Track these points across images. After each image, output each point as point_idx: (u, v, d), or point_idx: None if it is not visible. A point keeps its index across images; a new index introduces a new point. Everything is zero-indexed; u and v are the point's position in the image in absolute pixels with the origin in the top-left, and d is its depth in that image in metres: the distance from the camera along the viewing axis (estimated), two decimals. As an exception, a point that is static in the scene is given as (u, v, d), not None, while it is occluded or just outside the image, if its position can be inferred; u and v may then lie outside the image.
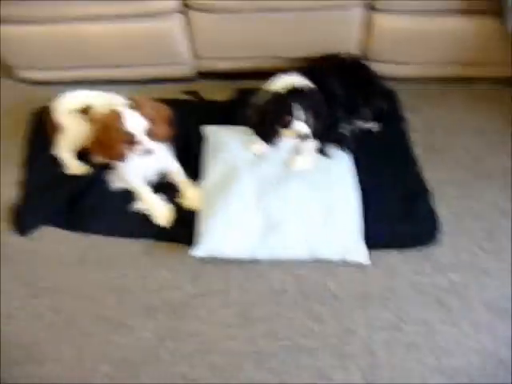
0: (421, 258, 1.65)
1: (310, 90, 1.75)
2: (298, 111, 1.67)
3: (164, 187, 1.86)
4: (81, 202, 1.82)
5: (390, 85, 2.10)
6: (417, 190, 1.80)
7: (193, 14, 1.99)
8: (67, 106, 1.94)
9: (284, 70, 2.09)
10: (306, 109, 1.68)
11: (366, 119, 1.97)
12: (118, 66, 2.22)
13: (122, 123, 1.63)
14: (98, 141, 1.71)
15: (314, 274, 1.63)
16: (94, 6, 1.96)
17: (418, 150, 1.94)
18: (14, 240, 1.79)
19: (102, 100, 1.91)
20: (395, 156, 1.92)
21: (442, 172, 1.88)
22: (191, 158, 1.91)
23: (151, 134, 1.70)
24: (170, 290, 1.63)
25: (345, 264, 1.63)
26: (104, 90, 1.99)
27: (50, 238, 1.79)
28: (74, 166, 1.92)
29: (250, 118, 1.91)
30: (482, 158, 1.91)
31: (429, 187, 1.81)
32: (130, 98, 1.73)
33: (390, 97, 2.06)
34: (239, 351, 1.49)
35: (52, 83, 2.31)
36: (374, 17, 1.96)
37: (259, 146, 1.82)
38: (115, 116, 1.65)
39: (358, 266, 1.63)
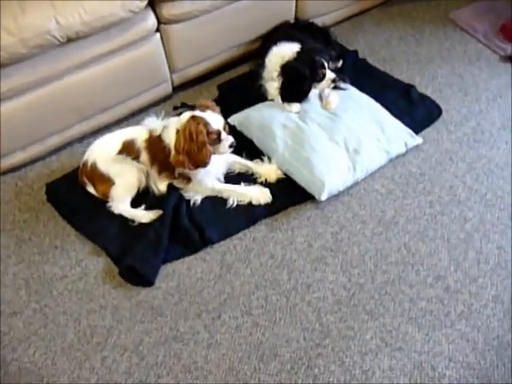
0: (442, 124, 2.20)
1: (316, 46, 2.11)
2: (326, 62, 2.01)
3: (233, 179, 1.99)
4: (182, 228, 1.82)
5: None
6: (405, 88, 2.33)
7: (166, 27, 2.11)
8: (107, 153, 1.88)
9: (245, 55, 2.43)
10: (326, 58, 2.03)
11: (334, 60, 2.41)
12: (104, 111, 2.16)
13: (206, 125, 1.73)
14: (183, 150, 1.73)
15: (398, 170, 2.03)
16: (78, 54, 1.91)
17: (378, 66, 2.49)
18: (148, 292, 1.71)
19: (136, 133, 1.92)
20: (371, 75, 2.42)
21: (403, 72, 2.46)
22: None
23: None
24: (318, 240, 1.83)
25: (406, 152, 2.07)
26: (93, 141, 1.98)
27: (179, 270, 1.77)
28: (140, 215, 1.88)
29: (266, 92, 2.18)
30: (417, 52, 2.56)
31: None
32: (197, 104, 1.81)
33: (335, 39, 2.55)
34: (403, 242, 1.80)
35: (36, 160, 2.13)
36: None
37: (295, 105, 2.10)
38: (198, 121, 1.73)
39: (415, 149, 2.09)
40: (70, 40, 1.82)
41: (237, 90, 2.37)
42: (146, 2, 1.93)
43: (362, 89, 2.26)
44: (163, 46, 2.15)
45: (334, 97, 2.13)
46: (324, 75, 2.04)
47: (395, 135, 2.05)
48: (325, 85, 2.07)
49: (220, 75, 2.48)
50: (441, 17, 2.75)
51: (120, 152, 1.88)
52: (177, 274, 1.75)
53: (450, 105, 2.28)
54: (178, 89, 2.41)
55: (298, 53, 2.06)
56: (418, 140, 2.08)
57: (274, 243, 1.82)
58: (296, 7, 2.48)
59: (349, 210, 1.90)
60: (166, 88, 2.32)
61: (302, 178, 1.90)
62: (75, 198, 1.95)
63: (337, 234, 1.83)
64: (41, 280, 1.76)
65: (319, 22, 2.53)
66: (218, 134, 1.76)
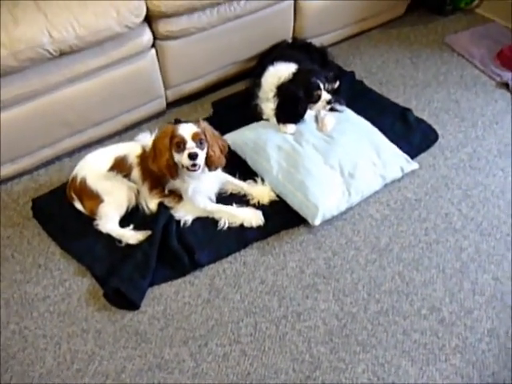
0: (438, 150, 2.18)
1: (310, 66, 2.09)
2: (321, 84, 1.99)
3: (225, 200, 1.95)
4: (171, 250, 1.77)
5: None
6: (402, 112, 2.31)
7: (162, 44, 2.08)
8: (97, 169, 1.83)
9: (241, 73, 2.41)
10: (322, 79, 2.01)
11: (330, 81, 2.39)
12: (96, 125, 2.12)
13: (174, 131, 1.70)
14: (153, 149, 1.73)
15: (393, 195, 1.99)
16: (70, 68, 1.87)
17: (374, 88, 2.47)
18: (133, 316, 1.65)
19: (128, 149, 1.88)
20: (368, 97, 2.40)
21: (400, 95, 2.44)
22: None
23: (209, 159, 1.77)
24: (310, 265, 1.77)
25: (402, 177, 2.03)
26: (83, 155, 1.94)
27: (166, 294, 1.70)
28: (128, 235, 1.82)
29: (262, 112, 2.15)
30: (414, 76, 2.55)
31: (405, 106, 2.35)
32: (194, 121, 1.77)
33: (333, 60, 2.54)
34: (397, 271, 1.75)
35: (23, 173, 2.08)
36: (300, 3, 2.38)
37: (290, 126, 2.06)
38: (172, 126, 1.72)
39: (411, 174, 2.06)
40: (62, 54, 1.78)
41: (231, 108, 2.35)
42: (142, 18, 1.91)
43: (358, 111, 2.24)
44: (158, 61, 2.12)
45: (329, 119, 2.11)
46: (319, 96, 2.01)
47: (391, 160, 2.02)
48: (320, 106, 2.04)
49: (215, 92, 2.46)
50: (438, 41, 2.75)
51: (111, 168, 1.83)
52: (164, 297, 1.69)
53: (446, 130, 2.26)
54: (172, 105, 2.38)
55: (294, 74, 2.04)
56: (414, 165, 2.05)
57: (265, 268, 1.77)
58: (294, 27, 2.47)
59: (342, 235, 1.86)
60: (160, 104, 2.29)
61: (295, 201, 1.86)
62: (62, 215, 1.90)
63: (329, 260, 1.79)
64: (22, 300, 1.69)
65: (317, 42, 2.52)
66: (183, 141, 1.68)
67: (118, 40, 1.91)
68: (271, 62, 2.18)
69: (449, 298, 1.68)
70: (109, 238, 1.81)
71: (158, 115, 2.34)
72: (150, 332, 1.61)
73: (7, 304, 1.68)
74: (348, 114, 2.19)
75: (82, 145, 2.15)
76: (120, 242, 1.81)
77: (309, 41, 2.45)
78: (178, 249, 1.77)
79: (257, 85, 2.20)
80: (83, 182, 1.82)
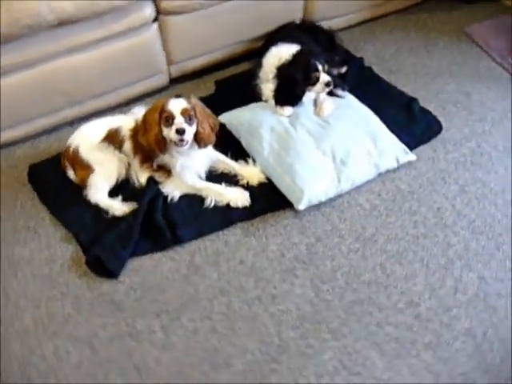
0: (440, 143, 2.10)
1: (312, 48, 2.04)
2: (320, 65, 1.94)
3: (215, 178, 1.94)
4: (155, 224, 1.79)
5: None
6: (407, 101, 2.23)
7: (165, 18, 2.07)
8: (90, 140, 1.86)
9: (247, 53, 2.37)
10: (322, 61, 1.96)
11: (337, 65, 2.33)
12: (96, 97, 2.15)
13: (163, 105, 1.71)
14: (143, 122, 1.75)
15: (386, 185, 1.94)
16: (69, 39, 1.89)
17: (383, 76, 2.40)
18: (111, 285, 1.68)
19: (122, 121, 1.90)
20: (374, 84, 2.34)
21: (408, 84, 2.36)
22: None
23: (198, 136, 1.77)
24: (291, 250, 1.76)
25: (398, 168, 1.98)
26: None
27: (146, 266, 1.73)
28: (115, 207, 1.84)
29: (261, 92, 2.12)
30: (427, 65, 2.46)
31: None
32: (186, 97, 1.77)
33: (341, 44, 2.47)
34: (379, 262, 1.72)
35: (25, 140, 2.13)
36: (311, -17, 2.33)
37: (287, 109, 2.03)
38: (162, 101, 1.73)
39: (408, 165, 2.00)
40: (61, 23, 1.80)
41: (234, 88, 2.32)
42: (143, -9, 1.90)
43: (363, 98, 2.18)
44: (161, 36, 2.12)
45: (328, 104, 2.06)
46: (317, 78, 1.96)
47: (388, 150, 1.96)
48: (319, 88, 1.99)
49: (220, 71, 2.43)
50: (457, 30, 2.64)
51: (104, 140, 1.86)
52: (143, 269, 1.72)
53: (452, 123, 2.17)
54: (175, 81, 2.38)
55: (294, 55, 2.00)
56: (411, 156, 1.99)
57: (247, 249, 1.77)
58: (304, 8, 2.41)
59: (328, 222, 1.83)
60: (163, 79, 2.29)
61: (282, 184, 1.84)
62: (56, 183, 1.94)
63: (312, 246, 1.77)
64: (8, 260, 1.75)
65: (328, 25, 2.45)
66: (171, 115, 1.69)
67: (119, 13, 1.91)
68: (275, 43, 2.15)
69: (428, 294, 1.64)
70: (97, 208, 1.85)
71: (160, 90, 2.35)
72: (125, 302, 1.64)
73: (-5, 263, 1.75)
74: (350, 100, 2.14)
75: (83, 115, 2.18)
76: (106, 213, 1.84)
77: (318, 23, 2.39)
78: (162, 223, 1.79)
79: (259, 65, 2.17)
80: (76, 151, 1.86)
